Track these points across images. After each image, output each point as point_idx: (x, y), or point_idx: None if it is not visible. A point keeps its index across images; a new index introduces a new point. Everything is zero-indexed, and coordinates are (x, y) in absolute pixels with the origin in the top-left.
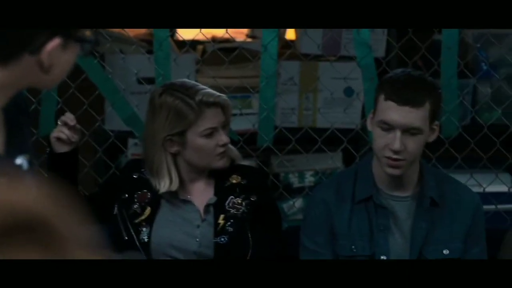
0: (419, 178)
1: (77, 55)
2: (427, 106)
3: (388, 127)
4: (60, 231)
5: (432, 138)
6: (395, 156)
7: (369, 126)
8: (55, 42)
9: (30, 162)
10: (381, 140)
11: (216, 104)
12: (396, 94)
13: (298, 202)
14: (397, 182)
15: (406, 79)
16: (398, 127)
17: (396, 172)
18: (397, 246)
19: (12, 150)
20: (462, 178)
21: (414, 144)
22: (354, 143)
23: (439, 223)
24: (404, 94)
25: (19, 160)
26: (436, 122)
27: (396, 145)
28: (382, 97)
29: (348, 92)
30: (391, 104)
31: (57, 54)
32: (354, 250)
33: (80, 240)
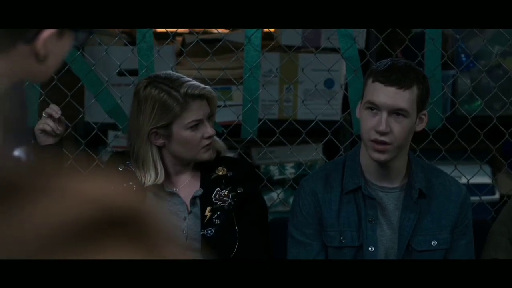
0: (407, 170)
1: (72, 44)
2: (414, 90)
3: (374, 107)
4: (151, 227)
5: (421, 127)
6: (381, 139)
7: (358, 114)
8: (50, 30)
9: (27, 155)
10: (367, 123)
11: (201, 96)
12: (383, 76)
13: (280, 195)
14: (385, 173)
15: (395, 63)
16: (384, 108)
17: (381, 157)
18: (385, 237)
19: (11, 142)
20: (444, 170)
21: (400, 128)
22: (335, 135)
23: (427, 214)
24: (392, 76)
25: (17, 152)
26: (424, 112)
27: (382, 126)
28: (370, 80)
29: (329, 83)
30: (378, 85)
31: (52, 42)
32: (343, 241)
33: (167, 236)
